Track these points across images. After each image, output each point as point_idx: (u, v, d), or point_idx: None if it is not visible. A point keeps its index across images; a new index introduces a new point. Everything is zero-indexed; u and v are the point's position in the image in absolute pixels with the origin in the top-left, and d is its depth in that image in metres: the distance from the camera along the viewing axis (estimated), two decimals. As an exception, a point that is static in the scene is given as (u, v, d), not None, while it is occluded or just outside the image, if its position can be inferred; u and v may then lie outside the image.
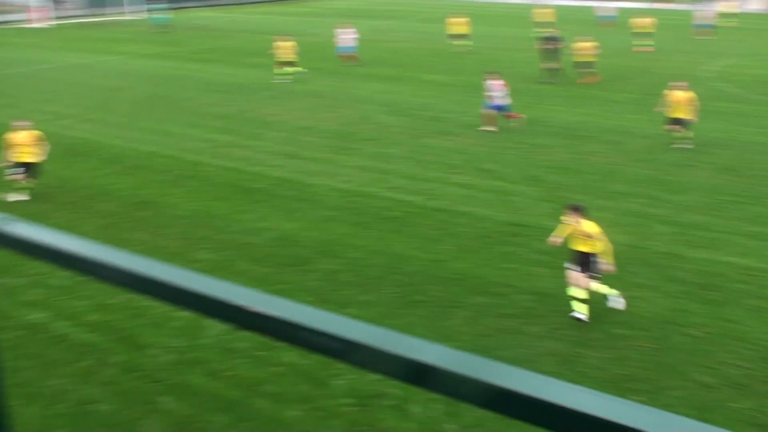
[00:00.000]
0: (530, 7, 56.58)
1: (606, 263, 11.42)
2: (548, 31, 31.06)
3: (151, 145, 20.93)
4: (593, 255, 11.35)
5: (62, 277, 12.35)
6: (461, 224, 15.16)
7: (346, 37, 34.70)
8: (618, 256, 11.91)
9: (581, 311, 11.31)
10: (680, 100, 20.41)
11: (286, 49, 30.62)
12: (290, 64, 30.60)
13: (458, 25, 38.91)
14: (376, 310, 11.62)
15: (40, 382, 9.67)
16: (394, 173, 18.43)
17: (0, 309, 11.50)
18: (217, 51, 39.80)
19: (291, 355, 10.17)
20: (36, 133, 16.39)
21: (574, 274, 11.46)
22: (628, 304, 11.67)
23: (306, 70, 30.87)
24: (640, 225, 15.15)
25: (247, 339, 10.54)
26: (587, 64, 29.73)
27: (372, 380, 9.64)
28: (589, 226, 11.43)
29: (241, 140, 21.53)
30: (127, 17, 57.88)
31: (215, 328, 10.84)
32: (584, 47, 29.72)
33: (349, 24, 35.58)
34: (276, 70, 30.44)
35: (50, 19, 54.37)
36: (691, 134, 20.66)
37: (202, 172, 18.64)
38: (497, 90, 22.34)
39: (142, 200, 16.56)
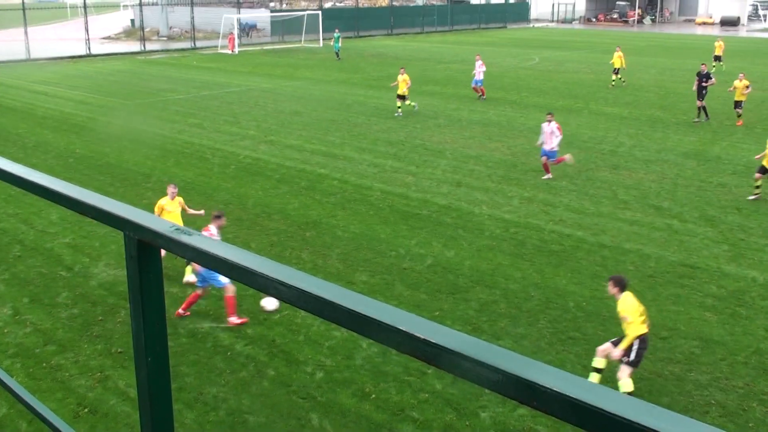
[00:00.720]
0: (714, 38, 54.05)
1: (618, 351, 9.93)
2: (702, 67, 28.92)
3: (322, 168, 21.75)
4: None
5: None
6: (626, 262, 14.66)
7: (478, 69, 33.54)
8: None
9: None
10: None
11: (400, 82, 29.50)
12: (402, 98, 29.56)
13: (617, 58, 37.33)
14: (530, 344, 11.45)
15: (199, 389, 10.26)
16: (560, 206, 18.13)
17: (168, 317, 12.31)
18: (393, 78, 40.79)
19: (439, 383, 10.21)
20: (181, 200, 14.77)
21: (606, 345, 10.27)
22: (807, 360, 10.81)
23: (414, 104, 30.15)
24: (828, 274, 14.03)
25: (397, 363, 10.70)
26: (738, 104, 27.82)
27: (519, 415, 9.50)
28: (621, 306, 10.06)
29: (409, 166, 21.92)
30: (308, 44, 60.57)
31: (368, 349, 11.08)
32: (736, 85, 27.71)
33: (478, 56, 34.72)
34: (398, 103, 29.89)
35: (239, 45, 57.87)
36: None
37: (368, 196, 19.14)
38: (547, 133, 20.46)
39: (309, 220, 17.23)
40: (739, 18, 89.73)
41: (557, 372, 1.14)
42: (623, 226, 16.70)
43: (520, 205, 18.21)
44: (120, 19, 79.18)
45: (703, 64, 29.44)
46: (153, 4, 70.03)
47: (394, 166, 22.04)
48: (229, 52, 55.70)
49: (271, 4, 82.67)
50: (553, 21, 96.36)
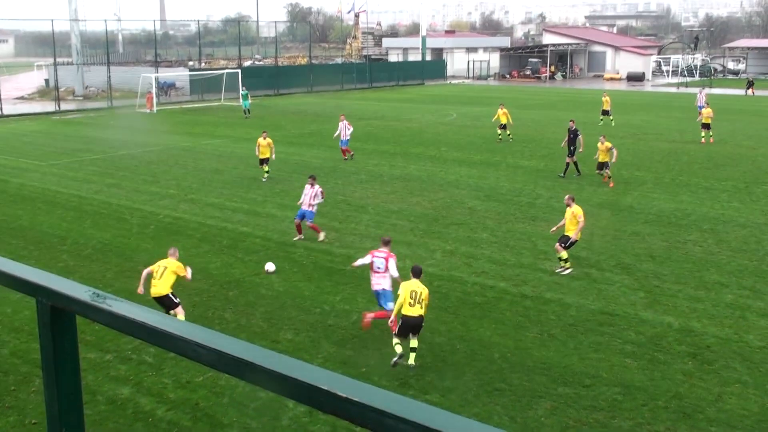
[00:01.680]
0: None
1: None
2: (570, 124, 29.75)
3: (243, 226, 21.56)
4: None
5: (150, 353, 12.72)
6: (548, 311, 14.90)
7: (344, 131, 32.81)
8: (713, 350, 11.46)
9: None
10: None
11: (263, 147, 28.15)
12: (264, 161, 28.26)
13: (502, 115, 38.41)
14: (457, 397, 11.46)
15: (121, 456, 9.88)
16: (482, 258, 18.37)
17: (86, 384, 11.88)
18: (314, 135, 41.03)
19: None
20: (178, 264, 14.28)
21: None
22: (723, 401, 11.14)
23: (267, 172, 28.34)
24: (738, 317, 14.54)
25: (324, 422, 10.53)
26: (602, 165, 27.62)
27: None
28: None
29: (332, 222, 21.91)
30: (227, 102, 60.49)
31: (295, 409, 10.89)
32: (599, 148, 27.44)
33: (342, 116, 33.90)
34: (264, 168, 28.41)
35: (157, 104, 57.37)
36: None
37: (291, 253, 19.03)
38: (309, 195, 20.04)
39: (232, 279, 16.99)
40: (644, 74, 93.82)
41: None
42: (543, 276, 17.01)
43: (443, 258, 18.38)
44: (34, 79, 77.62)
45: (571, 121, 30.21)
46: (68, 64, 68.96)
47: (316, 222, 21.97)
48: (147, 111, 55.13)
49: (190, 63, 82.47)
50: (469, 78, 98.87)
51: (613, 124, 44.10)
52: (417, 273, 13.08)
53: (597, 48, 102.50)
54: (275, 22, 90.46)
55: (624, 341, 13.48)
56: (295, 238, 20.15)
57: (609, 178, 27.53)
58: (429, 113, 52.74)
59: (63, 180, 28.59)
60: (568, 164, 28.93)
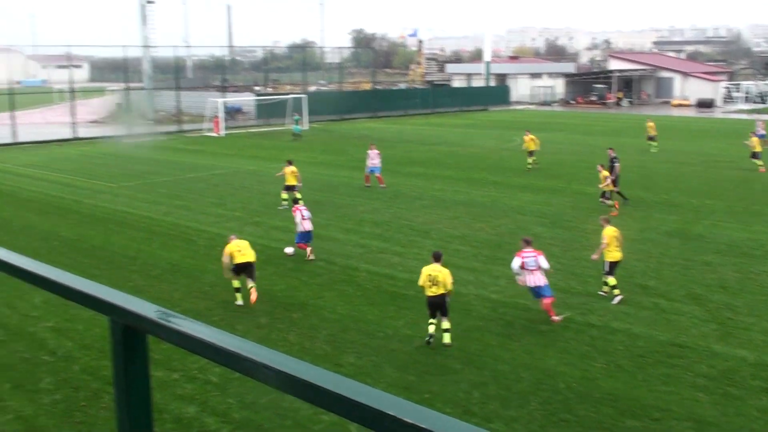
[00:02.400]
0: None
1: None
2: (609, 152, 29.56)
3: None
4: None
5: (215, 373, 12.87)
6: (615, 341, 14.61)
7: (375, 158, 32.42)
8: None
9: None
10: None
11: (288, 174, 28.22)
12: (290, 188, 27.80)
13: (529, 141, 38.11)
14: (522, 427, 11.29)
15: (186, 475, 9.98)
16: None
17: (154, 402, 12.07)
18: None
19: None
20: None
21: None
22: (802, 440, 10.71)
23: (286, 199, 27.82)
24: (817, 352, 14.03)
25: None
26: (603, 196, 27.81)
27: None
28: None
29: (395, 247, 21.96)
30: (290, 126, 61.30)
31: (357, 433, 10.88)
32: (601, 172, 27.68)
33: (373, 146, 33.53)
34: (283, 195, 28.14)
35: (224, 128, 58.50)
36: None
37: (354, 276, 19.10)
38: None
39: (296, 302, 17.12)
40: (713, 100, 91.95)
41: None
42: (610, 306, 16.70)
43: (507, 285, 18.20)
44: (107, 103, 79.98)
45: (610, 149, 29.81)
46: (139, 89, 70.94)
47: (380, 246, 22.07)
48: (215, 134, 56.21)
49: (256, 88, 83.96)
50: (532, 103, 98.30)
51: (655, 150, 43.63)
52: (437, 258, 15.16)
53: (665, 74, 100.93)
54: (340, 48, 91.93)
55: (695, 374, 13.11)
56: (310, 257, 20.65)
57: (611, 206, 27.27)
58: (492, 139, 52.58)
59: (133, 201, 29.30)
60: (619, 192, 28.43)
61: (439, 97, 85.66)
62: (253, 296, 16.79)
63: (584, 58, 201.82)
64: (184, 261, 20.64)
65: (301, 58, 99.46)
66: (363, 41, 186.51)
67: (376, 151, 32.70)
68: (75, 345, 14.53)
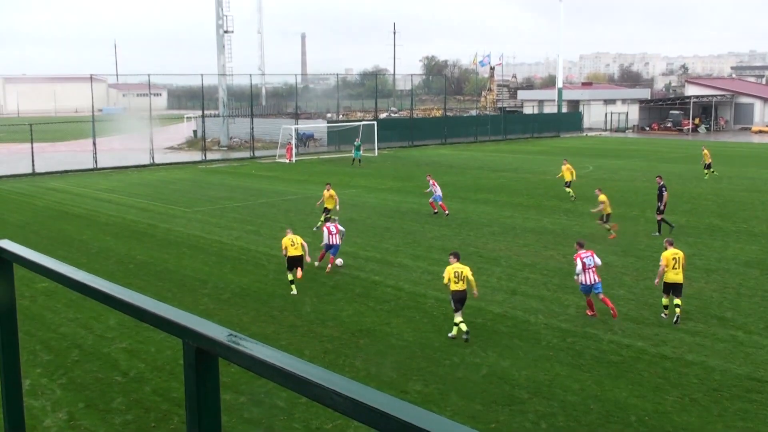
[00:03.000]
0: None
1: None
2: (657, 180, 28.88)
3: (376, 275, 21.80)
4: None
5: (282, 397, 12.96)
6: (690, 374, 14.17)
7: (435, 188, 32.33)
8: None
9: None
10: None
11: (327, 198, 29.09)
12: (327, 211, 28.72)
13: (566, 171, 37.07)
14: (591, 460, 11.01)
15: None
16: (619, 315, 17.72)
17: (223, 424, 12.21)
18: (447, 186, 41.15)
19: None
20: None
21: None
22: None
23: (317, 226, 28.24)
24: None
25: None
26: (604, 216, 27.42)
27: None
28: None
29: (463, 274, 21.79)
30: (364, 154, 61.82)
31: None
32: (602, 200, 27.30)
33: (429, 176, 33.84)
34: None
35: (296, 155, 59.37)
36: None
37: (422, 303, 19.05)
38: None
39: (363, 328, 17.15)
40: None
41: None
42: (685, 337, 16.23)
43: (577, 315, 17.89)
44: (183, 130, 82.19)
45: (658, 177, 29.11)
46: (215, 116, 72.68)
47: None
48: (287, 161, 57.11)
49: (328, 115, 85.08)
50: (606, 130, 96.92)
51: (709, 176, 42.88)
52: (457, 257, 17.21)
53: (744, 99, 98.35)
54: (411, 75, 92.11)
55: (774, 410, 12.60)
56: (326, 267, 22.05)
57: (609, 230, 27.03)
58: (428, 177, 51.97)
59: (206, 226, 29.91)
60: (665, 220, 27.72)
61: (510, 123, 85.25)
62: (299, 273, 20.18)
63: (660, 84, 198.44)
64: (254, 285, 20.92)
65: (373, 86, 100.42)
66: (434, 68, 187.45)
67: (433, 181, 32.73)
68: (147, 366, 14.84)
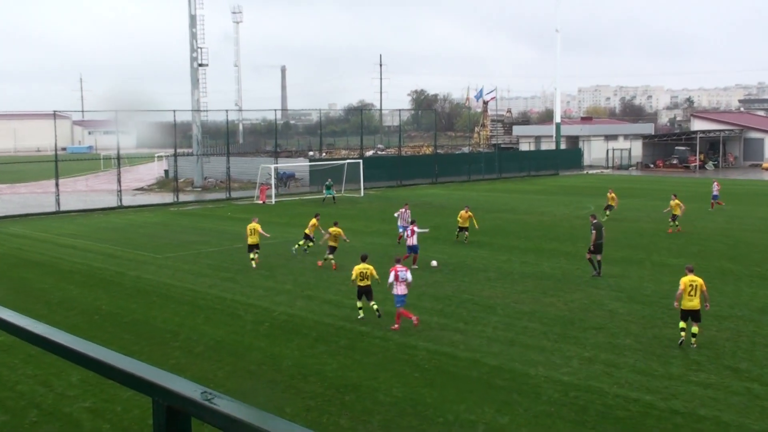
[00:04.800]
0: None
1: None
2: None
3: (362, 325, 21.70)
4: None
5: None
6: (703, 430, 14.10)
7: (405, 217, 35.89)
8: None
9: None
10: None
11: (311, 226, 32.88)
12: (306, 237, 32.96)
13: (676, 206, 39.05)
14: None
15: None
16: (625, 367, 17.71)
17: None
18: (437, 228, 41.25)
19: None
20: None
21: None
22: None
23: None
24: None
25: None
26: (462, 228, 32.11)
27: None
28: None
29: (457, 323, 21.77)
30: (348, 194, 61.98)
31: None
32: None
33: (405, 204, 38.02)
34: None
35: (276, 195, 59.47)
36: None
37: (412, 355, 18.94)
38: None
39: (349, 383, 17.01)
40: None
41: None
42: (697, 390, 16.19)
43: (581, 367, 17.83)
44: (153, 170, 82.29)
45: (591, 215, 29.90)
46: (188, 155, 72.85)
47: (440, 322, 21.91)
48: (260, 202, 57.14)
49: (310, 153, 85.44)
50: (608, 167, 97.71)
51: (605, 217, 43.31)
52: (364, 258, 22.42)
53: (754, 134, 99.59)
54: (399, 110, 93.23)
55: (795, 469, 12.54)
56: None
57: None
58: (563, 206, 52.28)
59: (178, 273, 29.78)
60: (591, 260, 28.27)
61: (505, 161, 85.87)
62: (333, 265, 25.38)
63: (664, 119, 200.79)
64: (229, 337, 20.78)
65: (358, 121, 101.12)
66: (424, 103, 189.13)
67: (404, 210, 36.50)
68: (112, 427, 14.64)
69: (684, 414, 14.92)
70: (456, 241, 36.02)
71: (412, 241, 28.72)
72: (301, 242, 33.10)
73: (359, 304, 22.18)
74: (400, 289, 21.18)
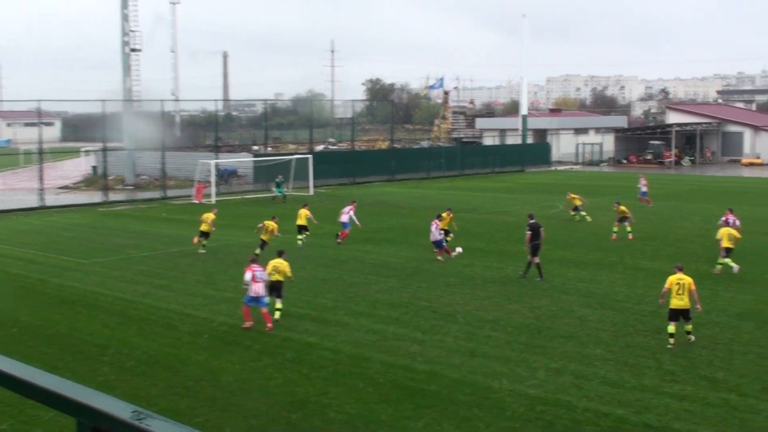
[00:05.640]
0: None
1: None
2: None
3: (311, 336, 21.67)
4: None
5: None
6: (678, 446, 14.32)
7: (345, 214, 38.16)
8: None
9: None
10: None
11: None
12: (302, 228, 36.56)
13: (573, 198, 43.68)
14: None
15: None
16: (595, 378, 17.92)
17: None
18: (394, 230, 41.43)
19: None
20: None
21: None
22: None
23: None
24: None
25: None
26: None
27: None
28: None
29: (414, 333, 21.83)
30: (296, 192, 61.82)
31: None
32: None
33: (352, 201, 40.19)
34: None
35: (213, 195, 59.09)
36: None
37: (366, 369, 18.95)
38: None
39: (295, 399, 16.98)
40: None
41: None
42: (671, 402, 16.44)
43: (548, 378, 18.00)
44: (80, 166, 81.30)
45: (529, 215, 30.26)
46: (119, 150, 72.06)
47: (396, 332, 21.96)
48: (197, 202, 56.76)
49: (255, 148, 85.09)
50: (578, 163, 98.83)
51: (579, 219, 44.72)
52: (280, 254, 24.30)
53: (732, 128, 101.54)
54: (352, 101, 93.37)
55: (774, 486, 12.79)
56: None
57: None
58: (530, 205, 52.68)
59: (107, 280, 29.46)
60: (529, 264, 28.73)
61: (467, 156, 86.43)
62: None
63: (638, 111, 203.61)
64: (164, 350, 20.62)
65: (308, 113, 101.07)
66: (379, 93, 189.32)
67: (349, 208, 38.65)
68: (32, 451, 14.43)
69: (657, 428, 15.14)
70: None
71: (436, 236, 32.75)
72: (300, 237, 36.16)
73: (276, 304, 23.46)
74: (257, 290, 22.19)
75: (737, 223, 32.95)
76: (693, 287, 20.39)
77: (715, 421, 15.48)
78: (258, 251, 31.74)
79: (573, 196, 45.58)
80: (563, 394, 17.00)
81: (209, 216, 35.54)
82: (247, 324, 22.28)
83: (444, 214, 35.53)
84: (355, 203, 40.09)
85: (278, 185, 58.36)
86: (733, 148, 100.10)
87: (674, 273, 20.74)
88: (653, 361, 19.12)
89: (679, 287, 20.24)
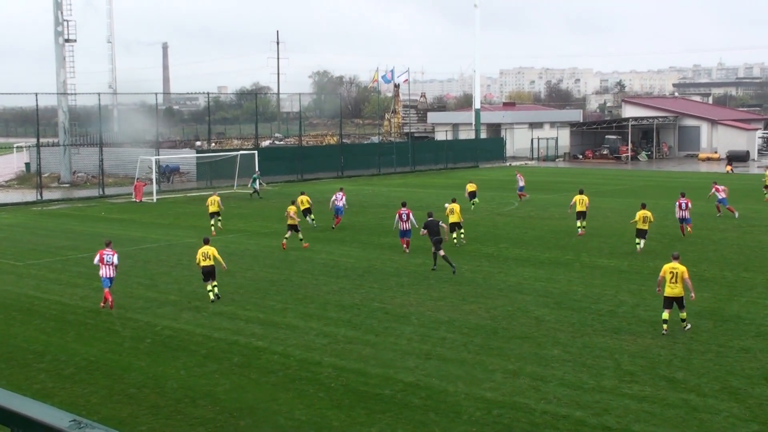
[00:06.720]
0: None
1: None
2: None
3: (259, 340, 21.60)
4: None
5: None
6: (637, 449, 14.52)
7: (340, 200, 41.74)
8: None
9: None
10: None
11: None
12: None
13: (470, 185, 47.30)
14: None
15: None
16: (553, 380, 18.09)
17: None
18: (345, 229, 41.37)
19: None
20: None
21: None
22: None
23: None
24: None
25: None
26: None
27: None
28: None
29: (366, 335, 21.86)
30: (242, 190, 61.47)
31: None
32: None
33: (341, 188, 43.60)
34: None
35: (154, 193, 58.55)
36: None
37: (316, 373, 18.94)
38: None
39: (244, 406, 16.91)
40: (748, 152, 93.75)
41: None
42: (630, 404, 16.66)
43: (504, 381, 18.13)
44: (12, 163, 79.98)
45: (428, 213, 32.22)
46: (53, 145, 71.03)
47: (348, 335, 21.96)
48: (137, 201, 56.21)
49: (198, 143, 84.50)
50: (532, 159, 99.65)
51: (473, 207, 48.28)
52: (206, 242, 26.12)
53: (689, 122, 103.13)
54: (299, 94, 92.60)
55: (735, 487, 13.03)
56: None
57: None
58: (485, 202, 53.05)
59: (43, 283, 29.06)
60: (434, 256, 30.40)
61: (419, 152, 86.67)
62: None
63: (593, 104, 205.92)
64: (104, 357, 20.41)
65: (253, 107, 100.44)
66: (327, 86, 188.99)
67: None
68: (-35, 465, 14.19)
69: (617, 430, 15.33)
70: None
71: (406, 225, 34.35)
72: (301, 236, 35.83)
73: (208, 287, 25.74)
74: (107, 272, 24.72)
75: (689, 205, 36.93)
76: (686, 276, 21.30)
77: (675, 422, 15.72)
78: (289, 234, 35.32)
79: (471, 184, 49.50)
80: (521, 397, 17.13)
81: (215, 198, 40.75)
82: (103, 304, 24.96)
83: (455, 206, 35.82)
84: (343, 189, 44.21)
85: (254, 180, 59.10)
86: (690, 143, 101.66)
87: (669, 261, 21.91)
88: (612, 362, 19.36)
89: (673, 276, 21.26)
